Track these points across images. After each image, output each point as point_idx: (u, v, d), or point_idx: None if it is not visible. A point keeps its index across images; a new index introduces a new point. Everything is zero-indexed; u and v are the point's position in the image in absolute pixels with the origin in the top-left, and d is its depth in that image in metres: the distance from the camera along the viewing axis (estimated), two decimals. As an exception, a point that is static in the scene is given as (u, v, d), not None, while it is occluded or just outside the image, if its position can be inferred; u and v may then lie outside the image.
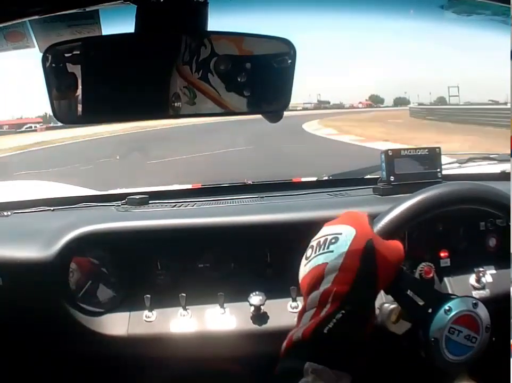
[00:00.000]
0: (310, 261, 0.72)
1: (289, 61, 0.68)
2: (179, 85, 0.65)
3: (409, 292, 0.76)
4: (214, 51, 0.65)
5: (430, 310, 0.76)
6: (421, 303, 0.76)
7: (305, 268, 0.73)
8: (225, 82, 0.66)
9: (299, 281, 0.75)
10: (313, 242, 0.74)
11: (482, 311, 0.78)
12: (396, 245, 0.72)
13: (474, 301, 0.78)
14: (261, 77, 0.68)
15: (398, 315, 0.81)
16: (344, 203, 1.30)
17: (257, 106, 0.71)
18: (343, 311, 0.63)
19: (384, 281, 0.69)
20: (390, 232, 0.76)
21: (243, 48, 0.66)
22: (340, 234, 0.71)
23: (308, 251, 0.74)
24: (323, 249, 0.71)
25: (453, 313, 0.75)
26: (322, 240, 0.72)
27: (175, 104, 0.66)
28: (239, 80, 0.66)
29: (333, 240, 0.70)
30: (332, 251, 0.69)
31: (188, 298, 1.11)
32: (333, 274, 0.66)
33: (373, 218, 0.78)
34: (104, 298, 1.14)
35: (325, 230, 0.74)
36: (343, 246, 0.69)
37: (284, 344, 0.65)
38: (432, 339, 0.74)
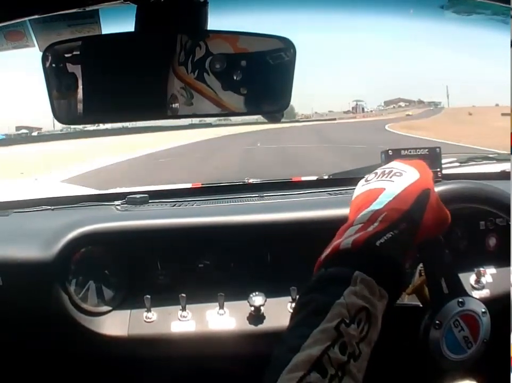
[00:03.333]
0: (369, 183, 0.75)
1: (289, 60, 0.68)
2: (176, 86, 0.65)
3: (436, 263, 0.78)
4: (209, 51, 0.65)
5: (448, 294, 0.77)
6: (442, 282, 0.78)
7: (361, 188, 0.75)
8: (221, 81, 0.66)
9: (352, 199, 0.76)
10: (378, 170, 0.77)
11: (486, 323, 0.79)
12: (446, 211, 0.74)
13: (484, 310, 0.79)
14: (259, 76, 0.67)
15: (415, 288, 0.82)
16: (344, 202, 1.29)
17: (257, 106, 0.71)
18: (392, 233, 0.64)
19: (423, 231, 0.69)
20: (446, 199, 0.77)
21: (238, 46, 0.66)
22: (406, 172, 0.73)
23: (371, 175, 0.76)
24: (387, 177, 0.73)
25: (464, 308, 0.77)
26: (387, 170, 0.75)
27: (173, 105, 0.66)
28: (235, 78, 0.66)
29: (397, 174, 0.73)
30: (393, 182, 0.72)
31: (188, 298, 1.11)
32: (388, 199, 0.68)
33: None
34: (104, 298, 1.14)
35: (394, 164, 0.77)
36: (404, 182, 0.71)
37: (326, 252, 0.65)
38: (437, 322, 0.76)
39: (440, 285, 0.78)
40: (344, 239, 0.64)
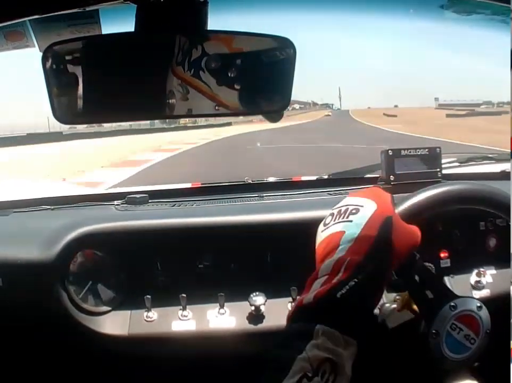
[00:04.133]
0: (327, 228, 0.73)
1: (286, 59, 0.68)
2: (174, 84, 0.65)
3: (418, 279, 0.77)
4: (205, 51, 0.65)
5: (436, 303, 0.77)
6: (429, 294, 0.77)
7: (321, 235, 0.74)
8: (216, 78, 0.66)
9: (316, 246, 0.75)
10: (334, 210, 0.75)
11: (485, 315, 0.78)
12: (414, 229, 0.73)
13: (479, 304, 0.79)
14: (254, 75, 0.68)
15: (404, 304, 0.81)
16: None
17: (253, 105, 0.70)
18: (356, 280, 0.63)
19: (396, 259, 0.69)
20: (411, 215, 0.77)
21: (233, 46, 0.66)
22: (362, 206, 0.72)
23: (328, 219, 0.75)
24: (343, 218, 0.72)
25: (457, 310, 0.76)
26: (343, 209, 0.73)
27: (170, 101, 0.66)
28: (230, 75, 0.66)
29: (354, 211, 0.71)
30: (351, 221, 0.70)
31: (188, 298, 1.11)
32: (350, 243, 0.67)
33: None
34: (104, 298, 1.14)
35: (348, 200, 0.75)
36: (362, 218, 0.69)
37: (292, 308, 0.65)
38: (434, 331, 0.75)
39: (425, 296, 0.77)
40: (308, 294, 0.64)
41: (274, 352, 0.61)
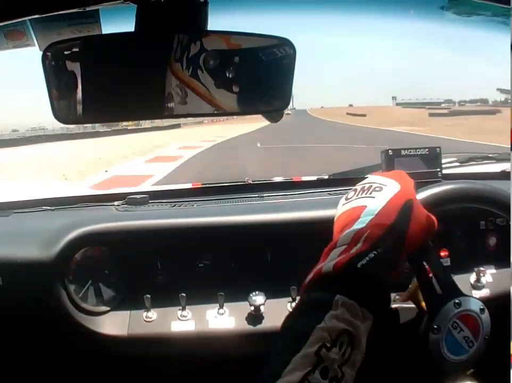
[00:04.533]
0: (350, 201, 0.74)
1: (285, 59, 0.68)
2: (172, 85, 0.65)
3: (428, 269, 0.77)
4: (203, 47, 0.64)
5: (442, 296, 0.77)
6: (436, 286, 0.77)
7: (343, 207, 0.74)
8: (214, 78, 0.65)
9: (335, 218, 0.76)
10: (358, 186, 0.76)
11: (486, 319, 0.78)
12: (431, 217, 0.73)
13: (482, 307, 0.79)
14: (252, 75, 0.67)
15: (410, 294, 0.82)
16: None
17: (251, 105, 0.70)
18: (375, 252, 0.64)
19: (410, 244, 0.69)
20: (430, 204, 0.78)
21: (232, 42, 0.66)
22: (386, 185, 0.73)
23: (351, 193, 0.76)
24: (366, 193, 0.73)
25: (461, 308, 0.76)
26: (367, 186, 0.74)
27: (169, 104, 0.66)
28: (227, 75, 0.65)
29: (377, 189, 0.72)
30: (374, 197, 0.71)
31: (188, 298, 1.11)
32: (370, 217, 0.68)
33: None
34: (104, 298, 1.14)
35: (372, 178, 0.76)
36: (385, 196, 0.71)
37: (309, 276, 0.65)
38: (435, 327, 0.75)
39: (433, 289, 0.78)
40: (326, 263, 0.64)
41: (291, 321, 0.61)
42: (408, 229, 0.68)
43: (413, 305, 0.85)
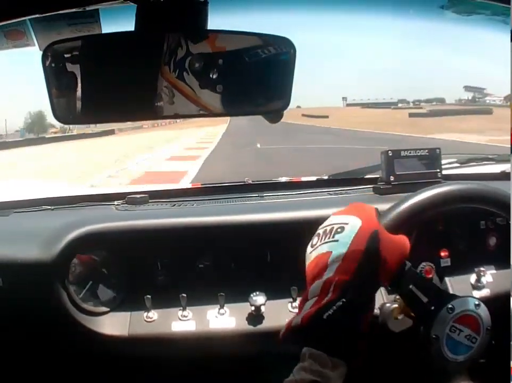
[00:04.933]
0: (315, 249, 0.73)
1: (288, 60, 0.68)
2: (161, 86, 0.66)
3: (412, 287, 0.76)
4: (189, 51, 0.65)
5: (433, 308, 0.76)
6: (424, 300, 0.77)
7: (310, 256, 0.74)
8: (198, 80, 0.66)
9: (306, 268, 0.75)
10: (320, 230, 0.75)
11: (484, 312, 0.78)
12: (401, 239, 0.73)
13: (476, 302, 0.78)
14: (259, 76, 0.68)
15: (401, 311, 0.81)
16: (344, 202, 1.29)
17: (236, 107, 0.71)
18: (344, 300, 0.64)
19: (386, 273, 0.69)
20: (396, 226, 0.76)
21: (216, 45, 0.66)
22: (347, 224, 0.71)
23: (314, 239, 0.75)
24: (329, 237, 0.72)
25: (455, 312, 0.76)
26: (328, 228, 0.73)
27: (158, 104, 0.66)
28: (211, 76, 0.66)
29: (339, 230, 0.71)
30: (337, 241, 0.70)
31: (189, 298, 1.10)
32: (337, 263, 0.67)
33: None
34: (104, 298, 1.14)
35: (333, 219, 0.75)
36: (348, 236, 0.69)
37: (282, 331, 0.66)
38: (434, 336, 0.75)
39: (421, 302, 0.77)
40: (296, 316, 0.66)
41: (265, 374, 0.64)
42: (380, 260, 0.68)
43: (408, 320, 0.85)
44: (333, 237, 0.71)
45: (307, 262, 0.74)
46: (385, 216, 0.77)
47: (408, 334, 0.79)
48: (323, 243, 0.72)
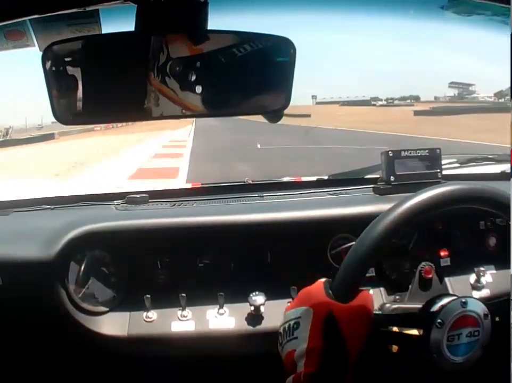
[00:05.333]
0: (282, 348, 0.76)
1: (289, 60, 0.68)
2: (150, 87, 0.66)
3: (390, 328, 0.77)
4: (169, 55, 0.65)
5: (422, 333, 0.77)
6: (412, 331, 0.77)
7: (282, 354, 0.77)
8: (179, 82, 0.66)
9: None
10: (281, 329, 0.78)
11: (473, 305, 0.78)
12: (360, 303, 0.74)
13: (463, 300, 0.78)
14: (259, 76, 0.68)
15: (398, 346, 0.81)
16: (344, 202, 1.30)
17: (255, 105, 0.71)
18: None
19: (357, 342, 0.71)
20: (349, 291, 0.75)
21: (193, 48, 0.66)
22: (300, 318, 0.74)
23: (280, 338, 0.78)
24: (289, 336, 0.75)
25: (445, 324, 0.76)
26: (286, 326, 0.76)
27: (145, 105, 0.66)
28: (190, 79, 0.66)
29: (295, 326, 0.74)
30: (296, 338, 0.73)
31: (188, 298, 1.10)
32: (302, 359, 0.70)
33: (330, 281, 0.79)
34: (104, 298, 1.14)
35: (287, 316, 0.77)
36: (305, 330, 0.72)
37: None
38: (435, 355, 0.76)
39: (400, 334, 0.78)
40: None
41: (263, 375, 0.66)
42: (344, 340, 0.69)
43: (413, 305, 0.85)
44: (292, 335, 0.74)
45: (283, 359, 0.77)
46: (335, 287, 0.76)
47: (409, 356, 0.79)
48: (286, 342, 0.75)
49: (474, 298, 0.79)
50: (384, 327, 0.77)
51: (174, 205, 1.34)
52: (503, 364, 0.80)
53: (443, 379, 0.82)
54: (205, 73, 0.66)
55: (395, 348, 0.80)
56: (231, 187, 1.55)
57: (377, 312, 0.77)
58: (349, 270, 0.76)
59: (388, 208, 0.79)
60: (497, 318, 0.81)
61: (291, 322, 0.75)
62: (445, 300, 0.80)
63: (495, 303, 0.85)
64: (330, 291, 0.75)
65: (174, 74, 0.65)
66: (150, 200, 1.37)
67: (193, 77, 0.65)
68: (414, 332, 0.77)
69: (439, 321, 0.76)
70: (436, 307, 0.79)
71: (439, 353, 0.76)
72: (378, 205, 1.17)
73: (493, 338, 0.79)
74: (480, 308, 0.78)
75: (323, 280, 0.79)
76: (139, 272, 1.16)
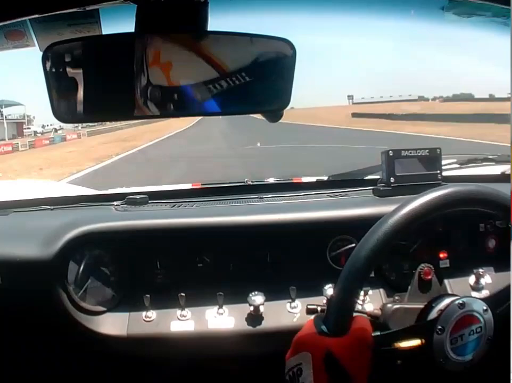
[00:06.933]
0: None
1: (289, 61, 0.68)
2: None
3: (396, 345, 0.77)
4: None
5: (424, 342, 0.77)
6: (413, 343, 0.77)
7: None
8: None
9: None
10: (286, 377, 0.79)
11: (471, 304, 0.79)
12: (357, 333, 0.74)
13: (460, 302, 0.78)
14: (259, 76, 0.68)
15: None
16: (344, 204, 1.29)
17: (254, 105, 0.71)
18: None
19: (362, 371, 0.72)
20: (342, 324, 0.76)
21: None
22: (301, 364, 0.75)
23: None
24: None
25: (446, 329, 0.76)
26: (291, 374, 0.77)
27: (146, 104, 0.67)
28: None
29: (298, 372, 0.75)
30: None
31: (188, 298, 1.11)
32: None
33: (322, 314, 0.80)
34: (103, 298, 1.14)
35: (289, 364, 0.78)
36: (308, 375, 0.73)
37: None
38: (441, 360, 0.76)
39: (403, 350, 0.78)
40: None
41: (263, 375, 0.66)
42: (348, 374, 0.70)
43: (413, 305, 0.85)
44: (298, 381, 0.75)
45: None
46: (329, 322, 0.77)
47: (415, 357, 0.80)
48: None
49: (471, 296, 0.79)
50: (385, 346, 0.77)
51: (173, 205, 1.34)
52: (503, 363, 0.81)
53: (455, 378, 0.83)
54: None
55: (400, 362, 0.80)
56: (231, 188, 1.55)
57: (374, 334, 0.77)
58: (340, 302, 0.77)
59: (384, 216, 0.79)
60: (498, 311, 0.81)
61: (294, 369, 0.76)
62: (442, 304, 0.80)
63: (492, 297, 0.86)
64: (324, 327, 0.76)
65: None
66: (150, 201, 1.37)
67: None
68: (417, 342, 0.77)
69: (439, 327, 0.76)
70: (434, 314, 0.80)
71: (445, 357, 0.76)
72: (377, 207, 1.16)
73: (497, 330, 0.79)
74: (479, 305, 0.78)
75: (312, 317, 0.81)
76: (139, 271, 1.16)
